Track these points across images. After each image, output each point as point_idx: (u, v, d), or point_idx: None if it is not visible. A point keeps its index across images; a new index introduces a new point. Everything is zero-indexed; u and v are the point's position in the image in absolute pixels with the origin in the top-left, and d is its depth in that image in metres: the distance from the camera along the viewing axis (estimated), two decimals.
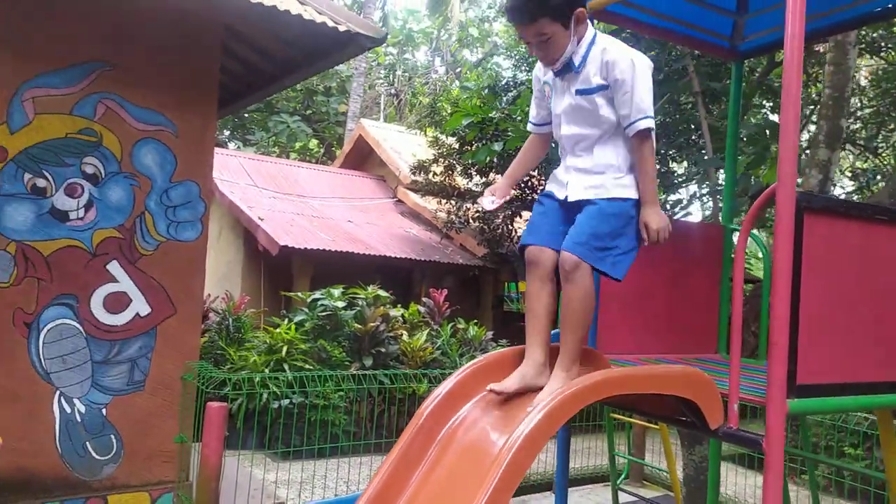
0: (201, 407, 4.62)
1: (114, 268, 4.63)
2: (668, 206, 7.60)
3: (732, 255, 4.35)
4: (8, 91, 4.19)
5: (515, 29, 2.00)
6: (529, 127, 2.30)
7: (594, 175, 1.99)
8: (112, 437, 4.61)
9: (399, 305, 8.38)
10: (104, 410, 4.58)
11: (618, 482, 5.46)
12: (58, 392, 4.42)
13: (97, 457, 4.56)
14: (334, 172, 14.17)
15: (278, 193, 11.53)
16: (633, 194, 1.98)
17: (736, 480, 5.66)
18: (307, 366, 6.80)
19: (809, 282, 1.86)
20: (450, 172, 10.58)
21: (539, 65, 2.12)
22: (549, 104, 2.13)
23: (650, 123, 1.90)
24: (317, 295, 7.65)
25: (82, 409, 4.51)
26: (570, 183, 2.04)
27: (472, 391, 2.08)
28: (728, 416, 1.93)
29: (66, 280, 4.44)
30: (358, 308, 7.61)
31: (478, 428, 1.97)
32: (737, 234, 3.08)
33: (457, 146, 9.84)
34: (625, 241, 1.97)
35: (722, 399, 1.95)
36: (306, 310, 7.56)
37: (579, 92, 1.98)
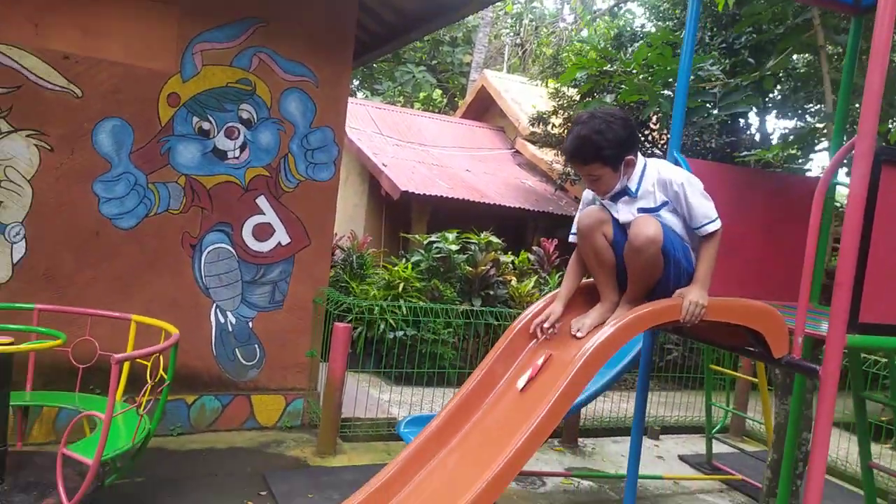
0: (328, 328, 5.27)
1: (261, 202, 5.32)
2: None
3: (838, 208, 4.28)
4: (182, 45, 4.88)
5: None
6: (573, 238, 2.41)
7: None
8: (256, 346, 5.40)
9: (510, 252, 8.74)
10: (250, 324, 5.36)
11: (712, 431, 5.60)
12: (214, 305, 5.22)
13: (244, 362, 5.36)
14: (455, 122, 14.55)
15: (401, 141, 12.11)
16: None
17: (847, 447, 5.59)
18: (420, 302, 7.34)
19: (880, 229, 1.99)
20: (568, 125, 10.65)
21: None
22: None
23: (716, 225, 2.19)
24: (433, 238, 8.15)
25: (233, 321, 5.30)
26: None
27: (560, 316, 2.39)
28: (793, 347, 2.13)
29: (223, 210, 5.18)
30: (470, 252, 8.04)
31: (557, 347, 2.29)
32: (840, 187, 3.12)
33: (577, 98, 9.87)
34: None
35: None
36: (422, 251, 8.09)
37: (643, 210, 2.23)
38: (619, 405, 6.67)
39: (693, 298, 2.09)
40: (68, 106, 4.57)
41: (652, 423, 6.52)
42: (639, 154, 2.25)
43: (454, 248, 7.92)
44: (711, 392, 5.56)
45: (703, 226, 2.18)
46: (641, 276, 2.17)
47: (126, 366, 3.53)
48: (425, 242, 8.23)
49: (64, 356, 3.92)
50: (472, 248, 8.13)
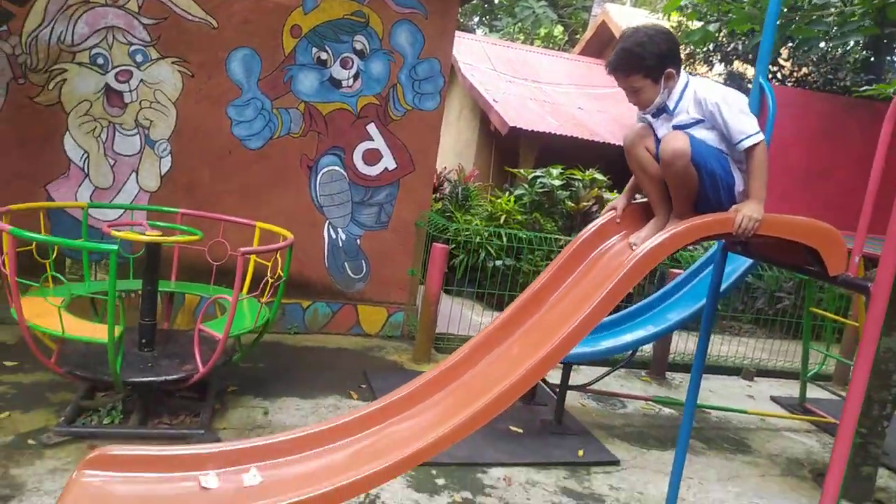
0: (429, 251, 5.66)
1: (371, 129, 5.71)
2: None
3: None
4: None
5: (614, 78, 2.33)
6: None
7: None
8: (363, 261, 5.91)
9: (615, 191, 8.69)
10: (358, 241, 5.86)
11: (807, 375, 5.51)
12: (327, 222, 5.75)
13: (352, 275, 5.90)
14: (572, 59, 14.24)
15: (515, 78, 12.10)
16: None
17: None
18: (521, 234, 7.56)
19: None
20: (690, 61, 10.16)
21: None
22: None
23: (754, 140, 2.21)
24: (537, 173, 8.28)
25: (343, 237, 5.81)
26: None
27: (620, 230, 2.57)
28: (849, 265, 2.18)
29: (337, 135, 5.63)
30: (574, 189, 8.11)
31: (618, 253, 2.48)
32: None
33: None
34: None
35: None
36: (526, 185, 8.26)
37: (677, 126, 2.30)
38: (718, 347, 6.64)
39: (747, 213, 2.18)
40: (206, 36, 5.12)
41: (748, 366, 6.46)
42: (682, 72, 2.30)
43: (558, 183, 8.02)
44: (810, 336, 5.44)
45: (740, 141, 2.23)
46: (678, 189, 2.28)
47: (251, 265, 4.08)
48: (530, 177, 8.38)
49: (201, 255, 4.58)
50: (576, 184, 8.19)
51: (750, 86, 2.92)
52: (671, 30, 2.28)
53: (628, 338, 4.37)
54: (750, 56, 9.31)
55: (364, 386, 4.69)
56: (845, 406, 2.14)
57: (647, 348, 5.94)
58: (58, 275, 3.40)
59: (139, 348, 3.77)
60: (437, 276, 5.32)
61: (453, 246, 6.56)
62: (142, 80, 5.03)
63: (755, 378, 6.36)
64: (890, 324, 3.65)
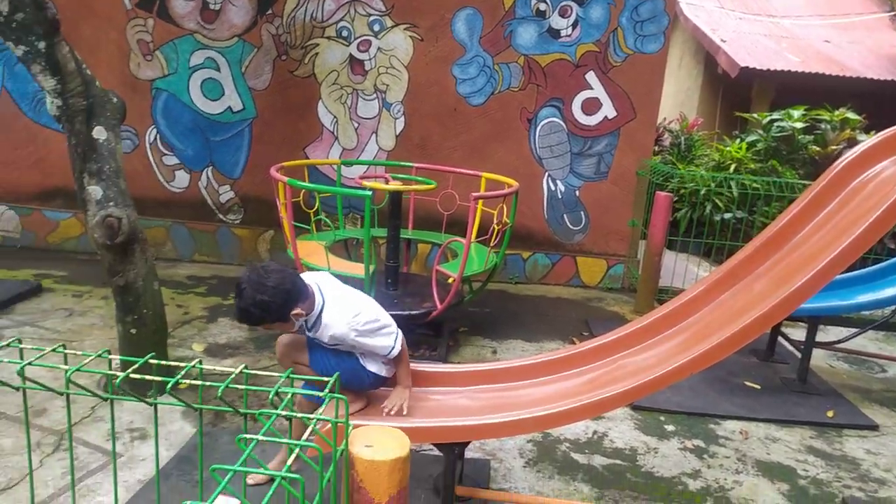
0: (650, 202, 5.47)
1: (590, 77, 5.64)
2: None
3: None
4: None
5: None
6: None
7: None
8: (582, 213, 5.91)
9: (873, 132, 7.53)
10: (577, 192, 5.87)
11: None
12: (546, 174, 5.84)
13: (571, 227, 5.95)
14: None
15: (746, 14, 10.96)
16: None
17: None
18: (755, 185, 6.95)
19: None
20: None
21: None
22: None
23: (397, 350, 2.32)
24: (774, 116, 7.48)
25: (562, 188, 5.86)
26: None
27: (890, 154, 2.27)
28: None
29: (556, 86, 5.65)
30: (819, 131, 7.21)
31: (888, 180, 2.20)
32: None
33: None
34: None
35: None
36: (761, 131, 7.52)
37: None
38: None
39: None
40: (433, 0, 5.43)
41: None
42: (312, 295, 2.23)
43: (799, 126, 7.18)
44: None
45: (387, 355, 2.32)
46: None
47: (479, 212, 4.33)
48: (765, 121, 7.61)
49: (433, 206, 4.97)
50: (822, 126, 7.26)
51: None
52: (282, 270, 2.17)
53: (891, 291, 3.85)
54: None
55: (586, 333, 4.75)
56: None
57: None
58: (325, 218, 3.94)
59: (385, 287, 4.24)
60: (661, 225, 5.15)
61: (676, 199, 6.25)
62: (379, 48, 5.51)
63: None
64: None
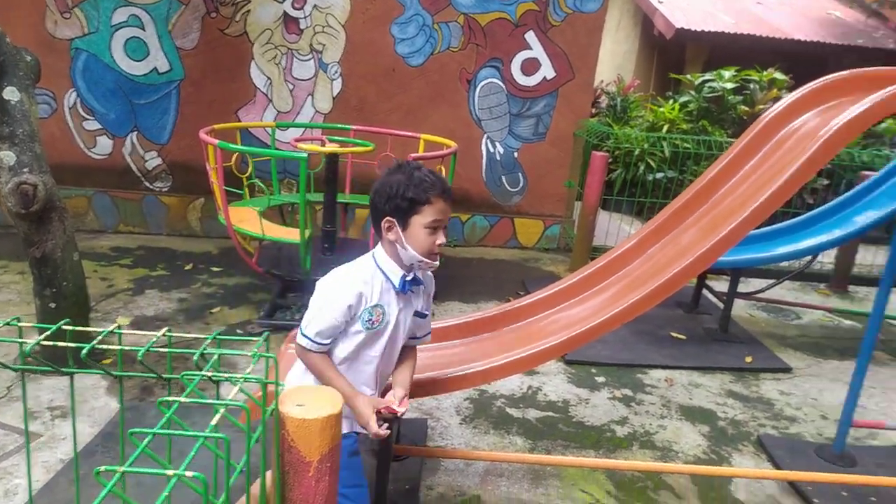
0: (586, 162, 5.56)
1: (530, 37, 5.63)
2: None
3: None
4: None
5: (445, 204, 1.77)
6: None
7: None
8: (520, 174, 5.97)
9: None
10: (515, 154, 5.91)
11: None
12: (485, 135, 5.84)
13: (509, 188, 6.00)
14: None
15: None
16: None
17: None
18: (686, 145, 7.14)
19: None
20: None
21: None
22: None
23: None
24: (706, 76, 7.67)
25: (501, 150, 5.89)
26: None
27: (813, 106, 2.37)
28: None
29: (495, 46, 5.62)
30: (748, 92, 7.45)
31: (812, 131, 2.31)
32: None
33: None
34: None
35: None
36: (693, 92, 7.71)
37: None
38: None
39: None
40: None
41: None
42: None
43: (730, 86, 7.40)
44: None
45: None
46: None
47: None
48: (697, 82, 7.80)
49: (371, 169, 4.91)
50: (752, 86, 7.50)
51: None
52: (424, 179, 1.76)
53: (809, 243, 4.07)
54: None
55: (522, 293, 4.84)
56: None
57: (828, 259, 5.48)
58: (258, 182, 3.85)
59: (322, 252, 4.20)
60: (597, 185, 5.25)
61: (611, 161, 6.38)
62: (315, 6, 5.34)
63: None
64: None
